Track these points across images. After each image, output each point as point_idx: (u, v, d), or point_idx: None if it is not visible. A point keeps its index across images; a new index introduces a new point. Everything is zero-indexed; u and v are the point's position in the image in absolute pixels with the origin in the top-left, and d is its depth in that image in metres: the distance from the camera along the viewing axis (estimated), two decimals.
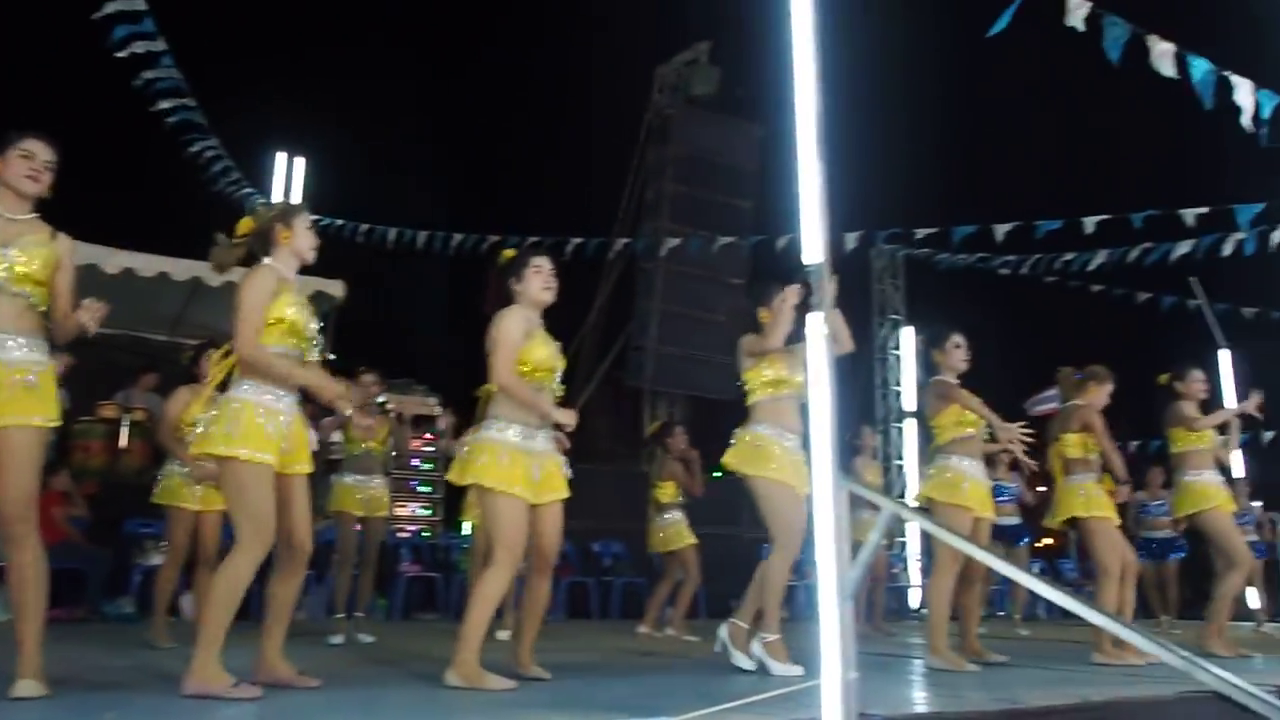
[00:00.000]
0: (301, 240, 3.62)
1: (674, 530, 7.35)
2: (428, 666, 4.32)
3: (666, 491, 7.42)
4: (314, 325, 3.62)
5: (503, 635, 5.93)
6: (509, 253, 4.15)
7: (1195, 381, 6.08)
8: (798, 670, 4.10)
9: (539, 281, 3.98)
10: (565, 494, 4.00)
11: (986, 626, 7.59)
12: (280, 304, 3.47)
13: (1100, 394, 5.67)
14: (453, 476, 3.96)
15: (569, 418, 3.95)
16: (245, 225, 3.67)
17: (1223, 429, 6.23)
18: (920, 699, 3.57)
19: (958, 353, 5.14)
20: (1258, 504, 10.34)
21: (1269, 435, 10.53)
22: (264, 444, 3.35)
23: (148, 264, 8.06)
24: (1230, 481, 9.28)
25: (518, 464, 3.80)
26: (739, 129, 14.29)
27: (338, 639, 5.92)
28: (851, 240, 9.90)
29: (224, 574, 3.29)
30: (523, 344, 3.86)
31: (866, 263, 15.59)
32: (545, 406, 3.89)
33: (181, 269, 8.14)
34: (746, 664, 4.30)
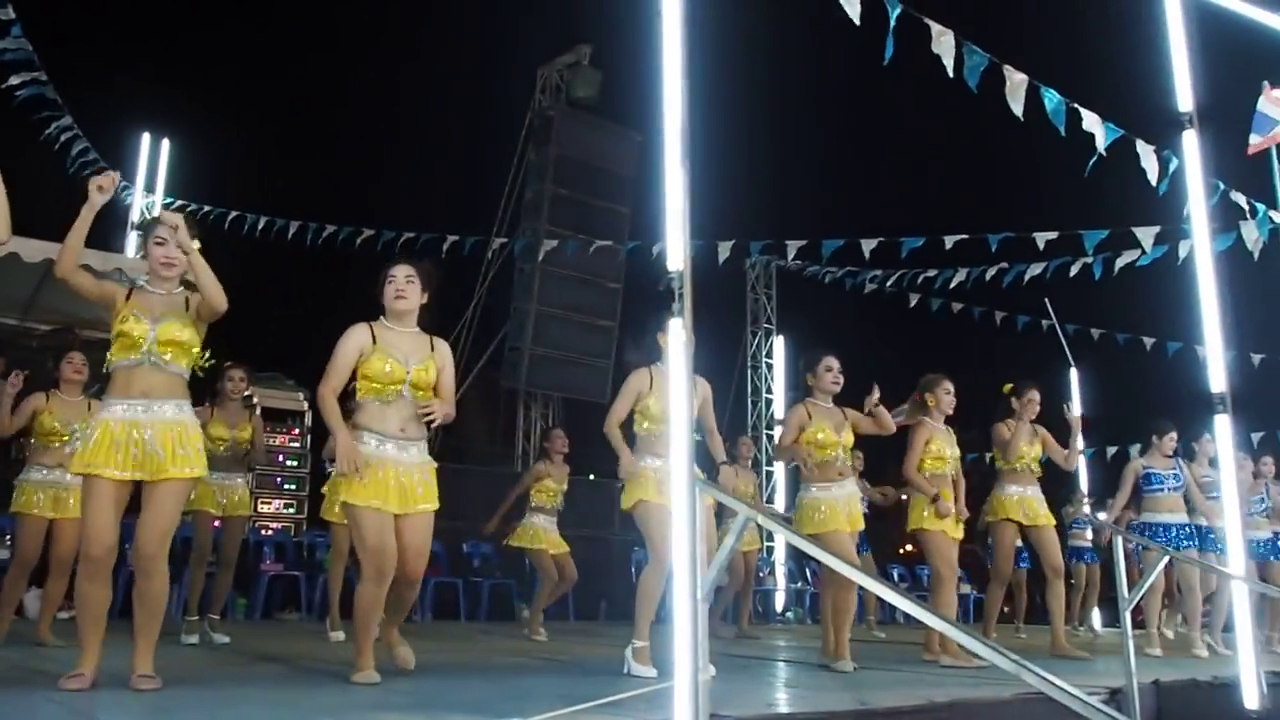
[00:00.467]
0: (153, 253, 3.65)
1: (529, 531, 7.38)
2: (281, 667, 4.22)
3: (541, 493, 7.46)
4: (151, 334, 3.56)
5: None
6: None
7: (1030, 400, 6.39)
8: (652, 672, 4.16)
9: (390, 291, 4.00)
10: (433, 505, 3.96)
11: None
12: (120, 319, 3.54)
13: (938, 405, 5.86)
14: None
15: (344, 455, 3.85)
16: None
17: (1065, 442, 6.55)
18: (773, 700, 3.65)
19: (828, 375, 5.25)
20: (1102, 514, 10.89)
21: (1113, 450, 11.10)
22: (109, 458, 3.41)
23: None
24: (1071, 490, 9.76)
25: (375, 474, 3.80)
26: (619, 134, 14.36)
27: (191, 639, 5.77)
28: (725, 250, 10.05)
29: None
30: (355, 359, 3.90)
31: (741, 273, 15.90)
32: (336, 424, 3.87)
33: (34, 250, 7.70)
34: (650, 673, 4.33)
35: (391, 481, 3.83)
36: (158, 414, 3.50)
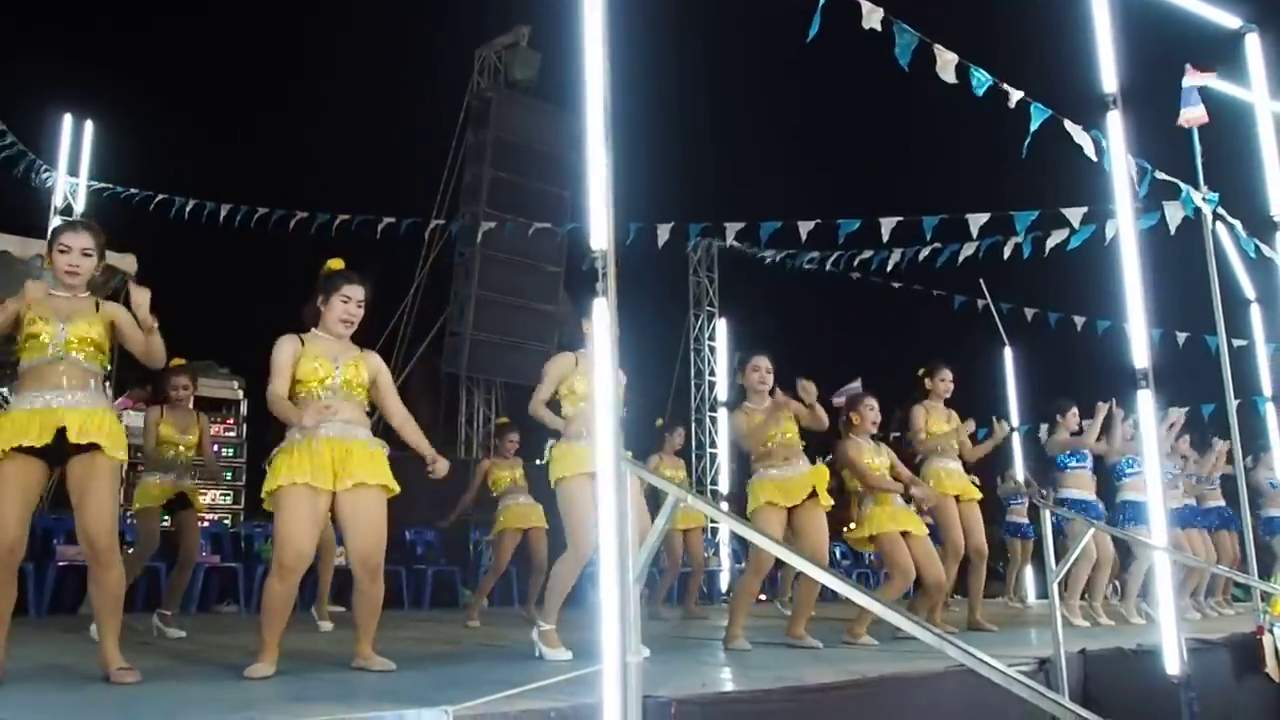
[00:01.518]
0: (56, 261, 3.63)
1: (515, 514, 7.56)
2: (202, 665, 4.14)
3: (498, 483, 7.65)
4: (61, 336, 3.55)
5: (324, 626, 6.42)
6: (334, 263, 4.10)
7: (942, 380, 6.50)
8: (565, 655, 4.22)
9: (339, 309, 3.98)
10: (380, 481, 3.90)
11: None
12: (28, 322, 3.52)
13: (862, 422, 5.93)
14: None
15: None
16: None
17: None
18: (708, 680, 3.66)
19: (755, 375, 5.34)
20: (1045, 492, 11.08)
21: (1045, 426, 11.30)
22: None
23: None
24: (1005, 467, 9.93)
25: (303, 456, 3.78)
26: (557, 116, 14.28)
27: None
28: (664, 233, 10.05)
29: None
30: (293, 362, 3.89)
31: (683, 257, 15.91)
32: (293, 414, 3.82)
33: None
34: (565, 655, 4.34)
35: (327, 456, 3.79)
36: (71, 401, 3.45)
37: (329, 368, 3.91)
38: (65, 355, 3.49)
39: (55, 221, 11.59)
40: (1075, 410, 7.28)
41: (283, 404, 3.84)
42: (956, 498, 6.34)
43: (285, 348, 3.93)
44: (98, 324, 3.60)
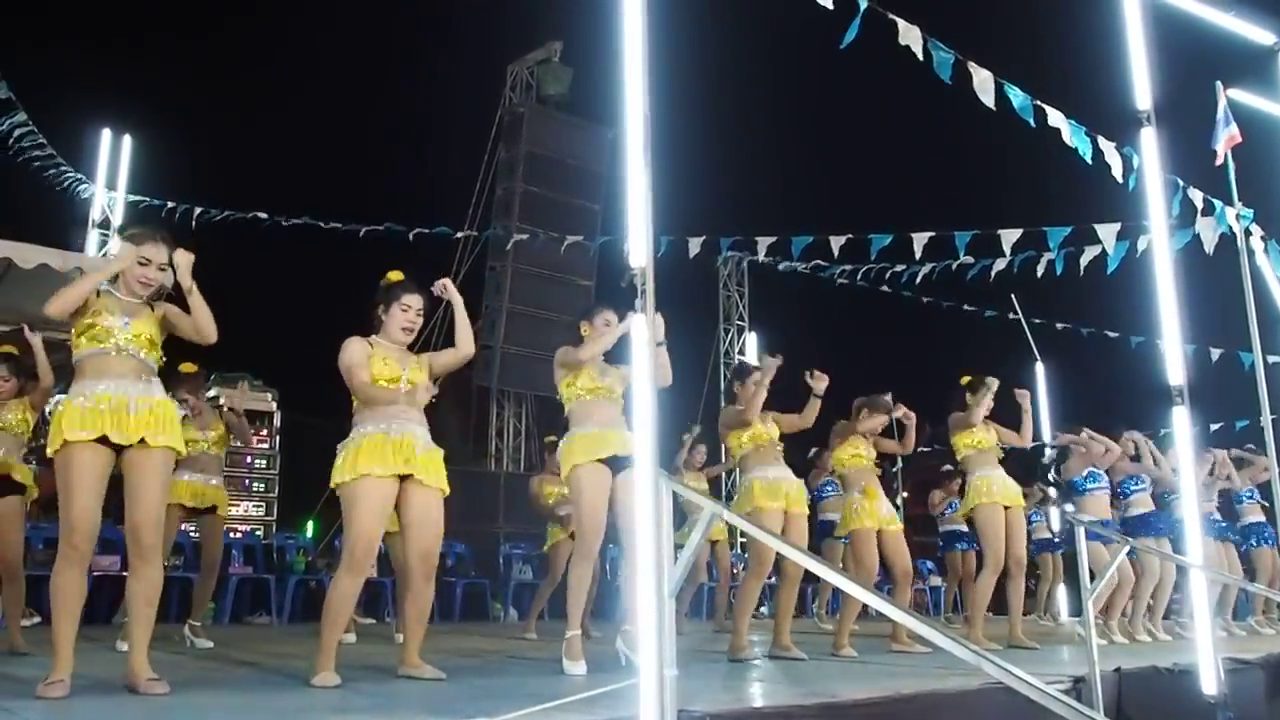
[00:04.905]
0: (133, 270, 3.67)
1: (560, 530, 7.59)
2: (248, 671, 4.19)
3: (553, 496, 7.65)
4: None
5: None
6: (394, 275, 4.25)
7: (987, 392, 6.42)
8: (580, 670, 4.25)
9: (400, 318, 4.15)
10: (439, 485, 4.04)
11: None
12: (91, 313, 3.58)
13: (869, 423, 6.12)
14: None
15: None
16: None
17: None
18: (742, 695, 3.67)
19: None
20: (1070, 507, 10.97)
21: (1054, 452, 11.21)
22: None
23: None
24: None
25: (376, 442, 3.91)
26: (589, 131, 14.38)
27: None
28: (695, 245, 10.07)
29: None
30: (365, 359, 4.04)
31: (713, 271, 15.93)
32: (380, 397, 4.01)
33: None
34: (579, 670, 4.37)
35: (391, 447, 3.91)
36: (130, 390, 3.52)
37: (396, 369, 4.05)
38: (126, 348, 3.56)
39: (93, 234, 11.79)
40: (1087, 432, 7.24)
41: (369, 390, 3.97)
42: (1005, 507, 6.26)
43: (356, 346, 4.08)
44: (153, 322, 3.68)
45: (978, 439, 6.38)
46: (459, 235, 12.57)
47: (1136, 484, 7.32)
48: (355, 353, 4.04)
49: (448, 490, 4.07)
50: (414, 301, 4.17)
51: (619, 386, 4.69)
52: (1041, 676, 3.11)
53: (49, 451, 3.48)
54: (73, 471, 3.38)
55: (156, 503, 3.53)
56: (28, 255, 7.07)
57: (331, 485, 3.95)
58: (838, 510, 7.98)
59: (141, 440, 3.48)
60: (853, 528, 5.92)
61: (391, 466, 3.87)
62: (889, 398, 6.26)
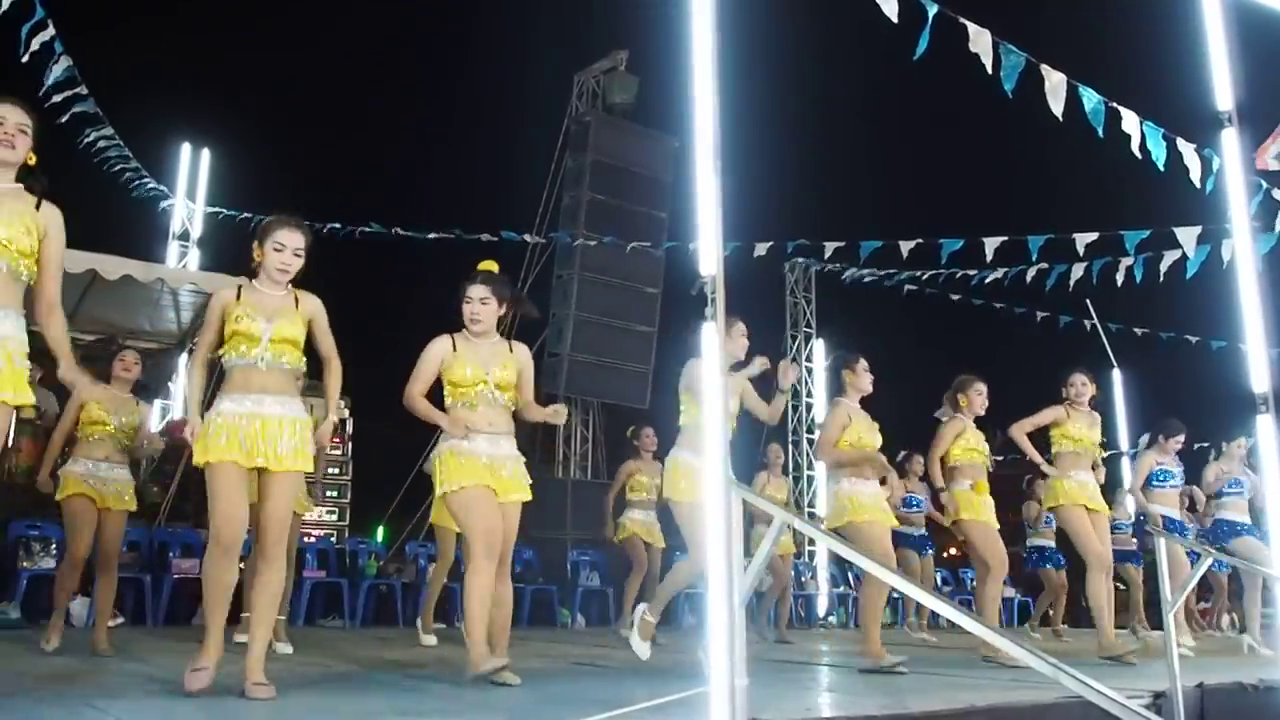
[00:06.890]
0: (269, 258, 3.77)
1: (626, 525, 7.78)
2: (317, 671, 4.25)
3: (636, 489, 7.83)
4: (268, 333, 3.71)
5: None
6: (488, 263, 4.38)
7: (1084, 384, 6.23)
8: (645, 653, 4.45)
9: (466, 311, 4.23)
10: (524, 495, 4.22)
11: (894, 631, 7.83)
12: (234, 319, 3.67)
13: (969, 405, 6.01)
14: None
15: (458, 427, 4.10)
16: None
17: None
18: (811, 705, 3.64)
19: (867, 375, 5.43)
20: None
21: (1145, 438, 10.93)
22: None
23: None
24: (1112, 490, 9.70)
25: (471, 462, 4.07)
26: (656, 139, 14.41)
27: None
28: (761, 250, 10.03)
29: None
30: (438, 366, 4.16)
31: (780, 277, 15.86)
32: (434, 413, 4.16)
33: (77, 261, 7.86)
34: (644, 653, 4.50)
35: (484, 464, 4.06)
36: (270, 410, 3.63)
37: (480, 373, 4.14)
38: (268, 359, 3.65)
39: (173, 246, 12.14)
40: (1181, 436, 7.09)
41: (429, 408, 4.13)
42: (1085, 508, 6.04)
43: (434, 349, 4.20)
44: (299, 321, 3.76)
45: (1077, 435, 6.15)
46: (528, 239, 12.70)
47: (1233, 487, 7.21)
48: (430, 354, 4.18)
49: (529, 496, 4.23)
50: (475, 292, 4.23)
51: (734, 405, 4.75)
52: (1121, 690, 3.04)
53: (195, 460, 3.65)
54: (217, 482, 3.55)
55: (283, 513, 3.69)
56: (111, 267, 7.31)
57: (439, 494, 4.13)
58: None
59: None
60: (964, 517, 5.90)
61: (492, 481, 4.08)
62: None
